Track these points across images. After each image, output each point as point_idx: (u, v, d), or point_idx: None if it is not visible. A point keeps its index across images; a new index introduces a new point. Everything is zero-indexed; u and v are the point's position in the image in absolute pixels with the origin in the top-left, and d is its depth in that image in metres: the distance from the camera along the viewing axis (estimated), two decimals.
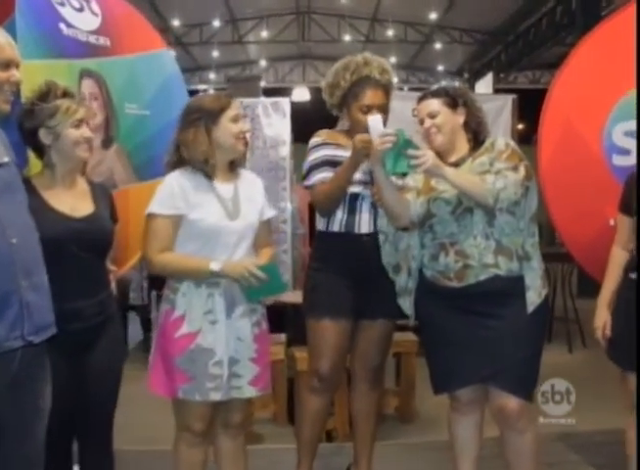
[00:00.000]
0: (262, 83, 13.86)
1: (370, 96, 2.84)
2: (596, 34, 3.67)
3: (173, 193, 2.44)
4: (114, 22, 3.43)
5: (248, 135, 6.01)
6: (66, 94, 2.41)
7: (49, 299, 2.00)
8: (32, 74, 2.51)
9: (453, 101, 2.61)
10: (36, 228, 2.01)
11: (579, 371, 4.99)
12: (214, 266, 2.39)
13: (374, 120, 2.54)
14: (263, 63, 19.24)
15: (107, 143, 3.36)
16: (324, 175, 2.86)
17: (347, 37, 16.77)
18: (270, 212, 2.67)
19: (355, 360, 3.03)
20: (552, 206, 3.60)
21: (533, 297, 2.53)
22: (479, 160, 2.57)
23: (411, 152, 2.38)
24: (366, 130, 2.60)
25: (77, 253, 2.34)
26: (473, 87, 16.73)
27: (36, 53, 2.92)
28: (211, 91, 18.18)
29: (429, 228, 2.62)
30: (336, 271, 2.87)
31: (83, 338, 2.39)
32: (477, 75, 17.77)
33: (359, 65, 2.88)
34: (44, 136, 2.36)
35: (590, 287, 3.08)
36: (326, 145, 2.92)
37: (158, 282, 5.17)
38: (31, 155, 2.50)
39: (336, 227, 2.89)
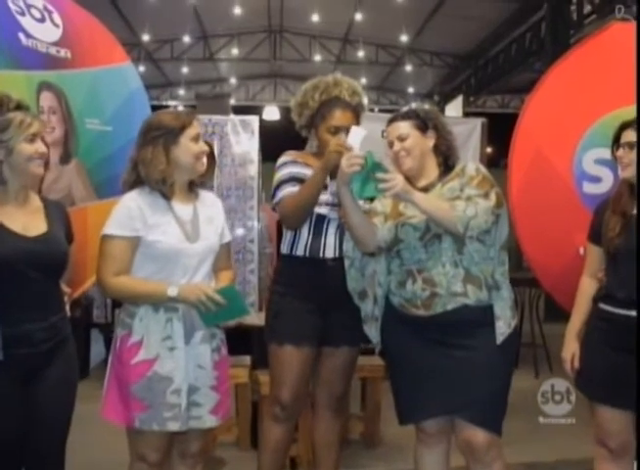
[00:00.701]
0: (232, 101, 13.83)
1: (338, 117, 2.80)
2: (566, 62, 3.69)
3: (131, 214, 2.36)
4: (76, 33, 3.36)
5: (216, 153, 6.01)
6: (19, 107, 2.30)
7: None
8: None
9: (423, 124, 2.57)
10: None
11: None
12: (171, 292, 2.32)
13: (356, 132, 2.51)
14: (234, 80, 19.25)
15: (65, 159, 3.28)
16: (291, 189, 2.80)
17: (319, 57, 16.84)
18: (229, 236, 2.62)
19: (318, 388, 2.98)
20: (522, 233, 3.58)
21: (503, 327, 2.48)
22: (449, 185, 2.52)
23: (380, 175, 2.32)
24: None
25: (28, 274, 2.24)
26: (443, 110, 16.91)
27: None
28: (181, 108, 18.20)
29: (396, 254, 2.56)
30: (299, 297, 2.82)
31: (33, 363, 2.29)
32: (447, 98, 17.96)
33: (329, 85, 2.84)
34: None
35: (557, 312, 3.07)
36: (294, 163, 2.87)
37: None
38: None
39: (300, 251, 2.83)
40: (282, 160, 2.91)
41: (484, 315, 2.47)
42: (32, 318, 2.26)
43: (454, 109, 16.44)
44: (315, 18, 14.44)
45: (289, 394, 2.81)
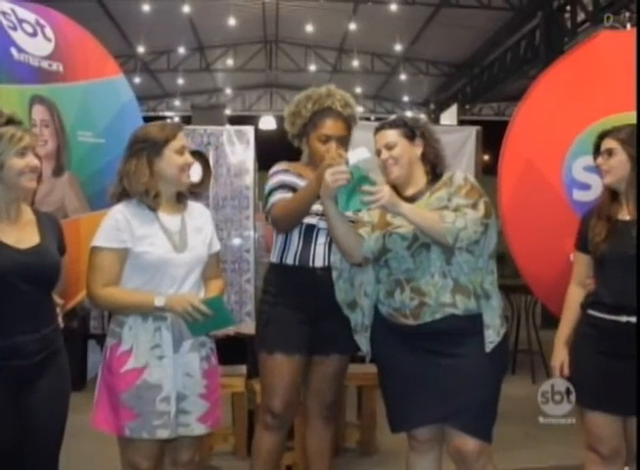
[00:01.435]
0: (228, 111, 13.87)
1: (330, 126, 2.82)
2: (554, 70, 3.69)
3: (118, 226, 2.39)
4: (67, 47, 3.38)
5: (211, 164, 6.01)
6: (10, 121, 2.31)
7: None
8: None
9: (411, 132, 2.57)
10: None
11: None
12: (158, 302, 2.34)
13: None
14: (230, 91, 19.28)
15: (58, 171, 3.29)
16: (283, 195, 2.81)
17: (315, 67, 16.88)
18: (218, 246, 2.64)
19: (309, 396, 2.97)
20: (512, 242, 3.57)
21: (492, 335, 2.48)
22: (436, 194, 2.52)
23: (366, 188, 2.32)
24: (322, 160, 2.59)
25: (21, 286, 2.24)
26: (438, 118, 16.95)
27: None
28: (177, 119, 18.23)
29: (384, 263, 2.56)
30: (289, 305, 2.82)
31: (26, 375, 2.29)
32: (442, 107, 18.00)
33: (322, 96, 2.87)
34: None
35: (554, 318, 3.06)
36: (286, 172, 2.89)
37: None
38: None
39: (290, 260, 2.84)
40: (274, 169, 2.93)
41: (473, 324, 2.47)
42: (24, 330, 2.27)
43: (449, 117, 16.48)
44: (310, 28, 14.49)
45: (280, 402, 2.81)
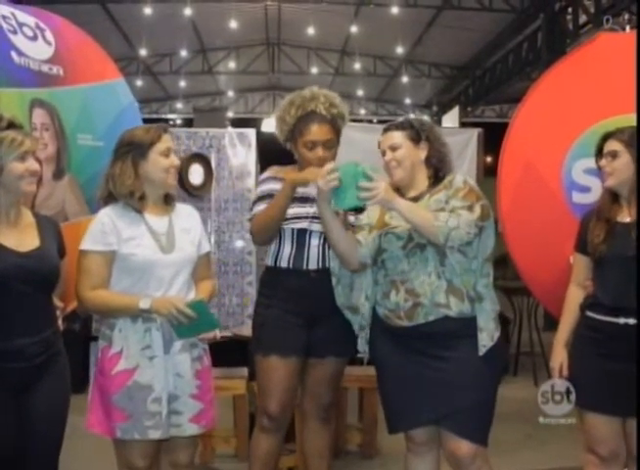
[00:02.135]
0: (230, 114, 13.88)
1: (314, 132, 2.80)
2: (554, 73, 3.69)
3: (104, 229, 2.42)
4: (68, 51, 3.39)
5: (213, 166, 6.01)
6: (11, 125, 2.33)
7: None
8: None
9: (417, 135, 2.58)
10: None
11: None
12: (143, 304, 2.36)
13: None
14: (233, 93, 19.30)
15: (58, 174, 3.29)
16: (264, 208, 2.82)
17: (317, 69, 16.90)
18: (207, 247, 2.65)
19: (306, 398, 2.98)
20: (512, 244, 3.57)
21: (486, 339, 2.48)
22: (435, 197, 2.53)
23: (363, 184, 2.34)
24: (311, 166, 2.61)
25: (21, 289, 2.26)
26: (440, 120, 16.93)
27: None
28: (179, 121, 18.26)
29: (381, 264, 2.58)
30: (284, 308, 2.82)
31: (26, 377, 2.30)
32: (445, 109, 17.99)
33: (305, 100, 2.84)
34: None
35: (556, 320, 3.06)
36: (273, 179, 2.88)
37: None
38: None
39: (284, 263, 2.85)
40: (263, 176, 2.95)
41: (467, 327, 2.48)
42: (25, 333, 2.27)
43: (451, 119, 16.47)
44: (313, 30, 14.51)
45: (276, 405, 2.81)
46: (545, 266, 3.44)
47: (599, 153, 2.70)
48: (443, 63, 16.47)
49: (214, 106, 15.50)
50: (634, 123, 2.67)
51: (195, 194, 5.91)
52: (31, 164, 2.32)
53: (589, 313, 2.64)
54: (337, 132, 2.87)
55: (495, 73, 14.87)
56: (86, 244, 2.43)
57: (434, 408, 2.52)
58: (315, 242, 2.82)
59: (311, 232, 2.81)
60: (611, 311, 2.55)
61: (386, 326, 2.58)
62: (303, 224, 2.80)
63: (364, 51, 15.67)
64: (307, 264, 2.82)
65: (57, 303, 2.52)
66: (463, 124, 15.18)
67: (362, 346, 2.72)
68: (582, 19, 10.79)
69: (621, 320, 2.52)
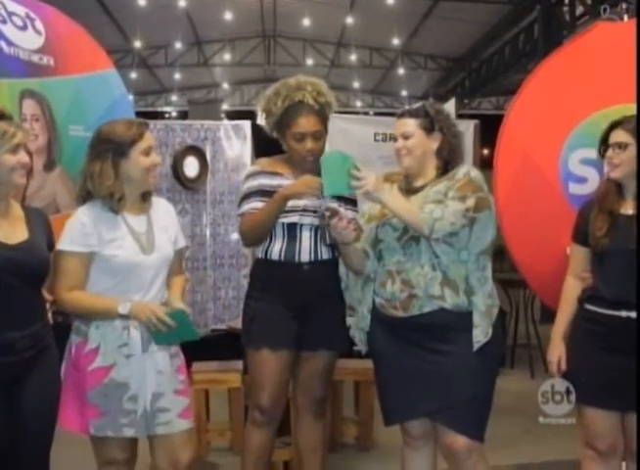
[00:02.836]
0: (226, 106, 13.84)
1: (303, 124, 2.75)
2: (550, 63, 3.66)
3: (85, 230, 2.36)
4: (58, 41, 3.37)
5: (208, 159, 5.98)
6: (2, 116, 2.29)
7: None
8: None
9: (430, 124, 2.54)
10: None
11: None
12: (122, 309, 2.33)
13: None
14: (228, 86, 19.26)
15: (49, 166, 3.28)
16: (253, 205, 2.79)
17: (313, 61, 16.86)
18: (182, 242, 2.61)
19: (298, 392, 2.96)
20: (508, 235, 3.54)
21: (480, 335, 2.46)
22: (436, 187, 2.51)
23: (353, 173, 2.33)
24: (303, 161, 2.64)
25: (10, 282, 2.22)
26: None
27: None
28: (174, 114, 18.19)
29: (379, 254, 2.57)
30: (276, 301, 2.80)
31: (16, 371, 2.27)
32: (441, 101, 17.95)
33: (291, 89, 2.78)
34: None
35: (552, 313, 3.04)
36: (261, 174, 2.85)
37: None
38: None
39: (275, 256, 2.81)
40: (250, 170, 2.92)
41: (461, 321, 2.45)
42: (14, 326, 2.25)
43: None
44: (308, 22, 14.48)
45: (268, 398, 2.80)
46: (542, 258, 3.42)
47: (604, 142, 2.62)
48: (440, 54, 16.46)
49: (209, 98, 15.47)
50: (632, 113, 2.61)
51: (190, 186, 5.89)
52: (23, 156, 2.28)
53: (589, 306, 2.60)
54: (325, 122, 2.82)
55: (492, 65, 14.87)
56: (64, 244, 2.37)
57: (430, 401, 2.50)
58: (307, 235, 2.79)
59: (302, 225, 2.79)
60: (612, 305, 2.51)
61: (381, 317, 2.56)
62: (294, 218, 2.77)
63: (360, 43, 15.64)
64: (299, 257, 2.79)
65: (46, 296, 2.48)
66: (459, 116, 15.14)
67: (358, 339, 2.71)
68: (579, 10, 10.78)
69: (623, 313, 2.48)
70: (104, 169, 2.36)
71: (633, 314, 2.46)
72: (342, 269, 2.73)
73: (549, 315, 3.25)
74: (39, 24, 3.29)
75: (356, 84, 18.51)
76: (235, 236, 6.37)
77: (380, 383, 2.69)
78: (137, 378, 2.37)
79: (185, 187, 5.85)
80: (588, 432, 2.62)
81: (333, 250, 2.80)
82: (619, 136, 2.56)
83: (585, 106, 3.37)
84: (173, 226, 2.55)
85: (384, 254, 2.54)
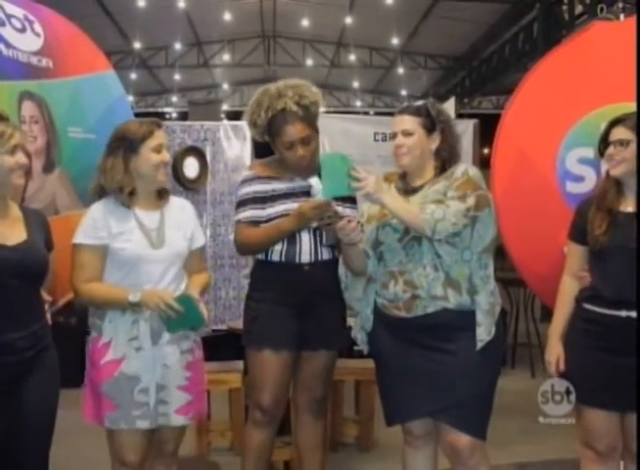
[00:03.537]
0: (226, 107, 13.83)
1: (289, 132, 2.72)
2: (547, 62, 3.66)
3: (95, 224, 2.45)
4: (57, 43, 3.38)
5: (208, 159, 5.98)
6: (0, 118, 2.30)
7: None
8: None
9: (431, 124, 2.52)
10: None
11: None
12: (132, 298, 2.39)
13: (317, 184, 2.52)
14: (229, 86, 19.27)
15: (48, 167, 3.29)
16: (250, 214, 2.81)
17: (313, 61, 16.87)
18: (201, 241, 2.66)
19: (298, 392, 2.96)
20: (506, 234, 3.54)
21: (483, 334, 2.45)
22: (435, 187, 2.50)
23: (353, 174, 2.34)
24: (297, 167, 2.64)
25: (8, 282, 2.23)
26: None
27: None
28: (174, 115, 18.18)
29: (380, 255, 2.56)
30: (276, 301, 2.80)
31: (15, 371, 2.28)
32: (441, 100, 17.94)
33: (272, 98, 2.74)
34: None
35: (553, 311, 3.03)
36: (255, 180, 2.85)
37: None
38: None
39: (276, 257, 2.82)
40: (245, 175, 2.91)
41: (465, 320, 2.45)
42: (13, 326, 2.26)
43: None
44: (308, 22, 14.49)
45: (269, 398, 2.81)
46: (539, 257, 3.41)
47: (604, 140, 2.60)
48: (439, 54, 16.47)
49: (209, 99, 15.47)
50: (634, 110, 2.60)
51: (190, 187, 5.90)
52: (20, 157, 2.30)
53: (587, 306, 2.57)
54: (312, 124, 2.79)
55: (492, 64, 14.87)
56: (78, 238, 2.46)
57: (433, 400, 2.49)
58: (306, 236, 2.79)
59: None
60: (612, 304, 2.49)
61: (384, 317, 2.56)
62: None
63: (360, 42, 15.65)
64: (300, 258, 2.79)
65: (45, 296, 2.50)
66: (459, 116, 15.14)
67: (359, 340, 2.70)
68: (578, 9, 10.78)
69: (623, 313, 2.46)
70: (114, 164, 2.44)
71: (633, 314, 2.43)
72: (341, 270, 2.72)
73: (549, 314, 3.24)
74: (38, 27, 3.30)
75: (356, 84, 18.52)
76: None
77: (382, 383, 2.69)
78: (147, 371, 2.43)
79: (185, 188, 5.87)
80: (587, 432, 2.61)
81: (333, 250, 2.81)
82: (621, 133, 2.54)
83: (583, 105, 3.37)
84: (190, 224, 2.60)
85: (385, 255, 2.53)
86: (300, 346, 2.84)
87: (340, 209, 2.76)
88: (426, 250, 2.45)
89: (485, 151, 9.73)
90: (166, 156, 2.51)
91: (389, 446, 4.13)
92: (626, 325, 2.45)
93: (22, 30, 3.21)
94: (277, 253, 2.80)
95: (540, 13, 11.51)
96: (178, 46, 15.97)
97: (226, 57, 17.02)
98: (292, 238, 2.79)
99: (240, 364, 4.12)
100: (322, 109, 2.91)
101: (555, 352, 2.66)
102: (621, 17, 3.78)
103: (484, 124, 7.13)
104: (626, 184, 2.56)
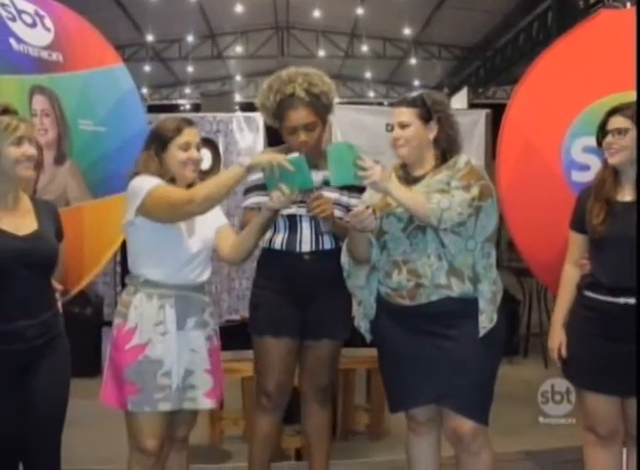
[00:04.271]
0: (239, 98, 13.84)
1: (293, 117, 2.74)
2: (553, 50, 3.65)
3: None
4: (67, 37, 3.41)
5: (221, 151, 5.99)
6: (6, 111, 2.34)
7: None
8: None
9: (428, 114, 2.53)
10: None
11: None
12: (243, 163, 2.42)
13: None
14: (242, 78, 19.28)
15: (59, 160, 3.33)
16: (253, 200, 2.84)
17: (326, 52, 16.84)
18: (223, 220, 2.68)
19: (303, 380, 2.99)
20: (512, 224, 3.54)
21: (485, 321, 2.48)
22: (437, 177, 2.51)
23: (360, 163, 2.35)
24: (296, 151, 2.61)
25: (20, 272, 2.28)
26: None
27: None
28: (188, 107, 18.23)
29: (383, 244, 2.58)
30: (278, 289, 2.84)
31: (26, 359, 2.33)
32: (455, 90, 17.88)
33: (282, 83, 2.77)
34: None
35: None
36: None
37: None
38: None
39: (277, 245, 2.85)
40: None
41: (469, 307, 2.47)
42: (24, 315, 2.30)
43: (459, 100, 16.36)
44: (321, 13, 14.46)
45: (272, 384, 2.84)
46: (545, 246, 3.41)
47: (602, 129, 2.63)
48: (453, 44, 16.39)
49: (222, 90, 15.49)
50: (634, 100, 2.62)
51: (203, 178, 5.91)
52: (27, 148, 2.32)
53: (587, 293, 2.61)
54: (320, 112, 2.79)
55: (506, 54, 14.77)
56: (151, 183, 2.44)
57: (434, 388, 2.52)
58: (306, 225, 2.81)
59: (301, 216, 2.81)
60: (610, 291, 2.53)
61: (387, 305, 2.58)
62: (291, 210, 2.77)
63: (373, 33, 15.62)
64: (300, 247, 2.82)
65: (56, 285, 2.54)
66: (473, 105, 15.08)
67: (366, 330, 2.72)
68: None
69: (621, 300, 2.50)
70: (147, 160, 2.51)
71: (631, 301, 2.47)
72: (344, 258, 2.72)
73: None
74: (48, 21, 3.34)
75: (369, 75, 18.48)
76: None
77: (385, 371, 2.71)
78: (171, 355, 2.46)
79: (198, 179, 5.89)
80: (589, 417, 2.65)
81: (335, 239, 2.83)
82: (619, 122, 2.57)
83: (588, 93, 3.35)
84: (217, 215, 2.64)
85: (388, 244, 2.55)
86: (303, 334, 2.87)
87: (344, 198, 2.79)
88: (430, 239, 2.47)
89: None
90: (194, 153, 2.53)
91: (400, 435, 4.11)
92: (624, 312, 2.49)
93: (33, 25, 3.25)
94: (279, 242, 2.83)
95: (555, 2, 11.43)
96: (191, 38, 16.00)
97: (239, 48, 17.04)
98: (292, 228, 2.82)
99: (252, 354, 4.17)
100: (336, 100, 2.92)
101: (557, 338, 2.70)
102: (628, 4, 3.76)
103: (498, 114, 7.08)
104: (624, 173, 2.59)
